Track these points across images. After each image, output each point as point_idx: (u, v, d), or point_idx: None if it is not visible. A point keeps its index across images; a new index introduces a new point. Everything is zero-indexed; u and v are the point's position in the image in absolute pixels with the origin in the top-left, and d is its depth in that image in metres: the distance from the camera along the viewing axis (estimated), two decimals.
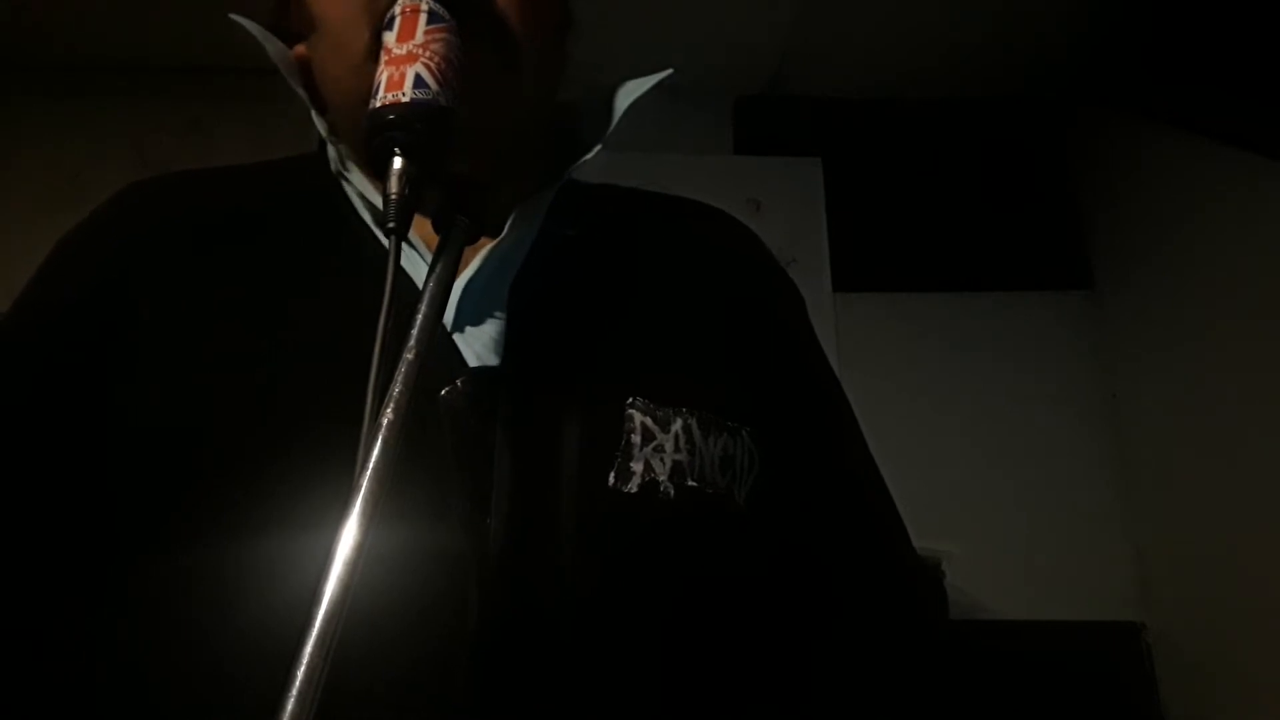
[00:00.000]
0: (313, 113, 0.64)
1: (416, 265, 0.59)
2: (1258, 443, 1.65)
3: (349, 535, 0.40)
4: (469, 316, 0.59)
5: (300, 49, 0.65)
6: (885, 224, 2.19)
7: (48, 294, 0.62)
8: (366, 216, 0.62)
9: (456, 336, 0.57)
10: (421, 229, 0.58)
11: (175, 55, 2.09)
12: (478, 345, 0.58)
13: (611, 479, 0.55)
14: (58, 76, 2.10)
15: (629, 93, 0.66)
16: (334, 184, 0.65)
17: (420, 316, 0.47)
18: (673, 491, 0.56)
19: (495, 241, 0.60)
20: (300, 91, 0.64)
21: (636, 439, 0.56)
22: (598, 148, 0.64)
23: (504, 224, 0.61)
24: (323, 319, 0.57)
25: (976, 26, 2.01)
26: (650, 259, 0.68)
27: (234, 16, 0.65)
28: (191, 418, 0.54)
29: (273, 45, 0.64)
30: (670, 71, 0.66)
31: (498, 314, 0.59)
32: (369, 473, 0.41)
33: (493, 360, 0.57)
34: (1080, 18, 1.99)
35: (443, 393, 0.54)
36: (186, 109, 2.09)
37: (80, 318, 0.59)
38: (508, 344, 0.58)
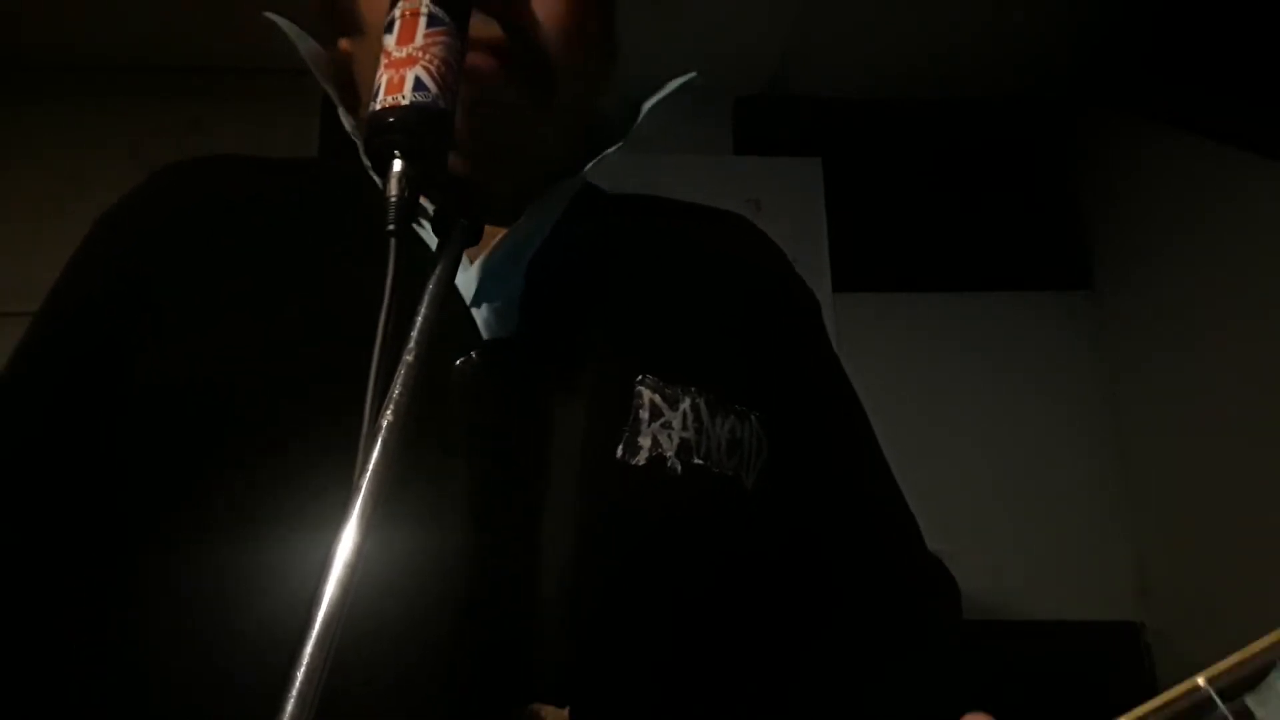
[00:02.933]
0: (340, 110, 0.65)
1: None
2: (1258, 443, 1.65)
3: (349, 536, 0.40)
4: (486, 294, 0.59)
5: (345, 44, 0.65)
6: (885, 224, 2.19)
7: (76, 282, 0.63)
8: None
9: (474, 311, 0.58)
10: None
11: (175, 55, 2.08)
12: (493, 321, 0.58)
13: (619, 451, 0.56)
14: (58, 76, 2.10)
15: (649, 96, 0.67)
16: (360, 180, 0.65)
17: (420, 319, 0.47)
18: (679, 468, 0.57)
19: (512, 229, 0.60)
20: (331, 90, 0.64)
21: (645, 414, 0.57)
22: (619, 144, 0.64)
23: (516, 217, 0.61)
24: (336, 313, 0.57)
25: (977, 26, 2.01)
26: (664, 254, 0.69)
27: (269, 15, 0.65)
28: (200, 413, 0.54)
29: (305, 44, 0.65)
30: (694, 75, 0.66)
31: (513, 293, 0.60)
32: (368, 475, 0.41)
33: (506, 335, 0.58)
34: (1081, 18, 1.98)
35: (457, 363, 0.55)
36: (186, 109, 2.09)
37: (104, 306, 0.59)
38: (521, 320, 0.59)
